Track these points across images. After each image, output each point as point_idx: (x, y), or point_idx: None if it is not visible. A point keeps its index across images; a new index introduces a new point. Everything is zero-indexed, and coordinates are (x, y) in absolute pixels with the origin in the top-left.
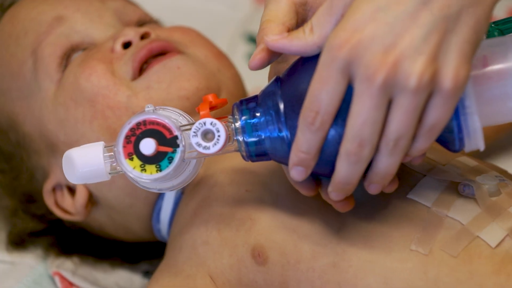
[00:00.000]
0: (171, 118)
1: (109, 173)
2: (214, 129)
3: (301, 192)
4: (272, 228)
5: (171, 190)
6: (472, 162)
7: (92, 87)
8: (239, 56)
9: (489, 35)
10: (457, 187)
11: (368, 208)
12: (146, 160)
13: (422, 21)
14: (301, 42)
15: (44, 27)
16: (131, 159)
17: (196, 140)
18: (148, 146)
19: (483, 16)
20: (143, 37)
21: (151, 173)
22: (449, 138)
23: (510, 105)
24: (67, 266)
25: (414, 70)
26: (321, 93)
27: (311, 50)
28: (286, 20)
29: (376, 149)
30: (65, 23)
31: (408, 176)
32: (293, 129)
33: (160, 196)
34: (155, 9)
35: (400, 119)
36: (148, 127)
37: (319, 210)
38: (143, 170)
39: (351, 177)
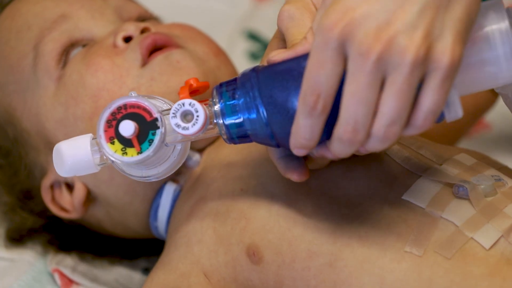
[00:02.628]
0: (154, 104)
1: (98, 165)
2: (193, 109)
3: (292, 179)
4: (267, 227)
5: (158, 178)
6: (470, 160)
7: (98, 83)
8: (239, 53)
9: None
10: (452, 188)
11: (363, 209)
12: (127, 143)
13: None
14: (305, 47)
15: (48, 24)
16: (113, 143)
17: (175, 121)
18: (127, 127)
19: None
20: (143, 32)
21: (132, 155)
22: None
23: (487, 71)
24: (67, 263)
25: (410, 45)
26: (320, 75)
27: None
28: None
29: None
30: (69, 20)
31: (403, 177)
32: (268, 105)
33: (158, 194)
34: (155, 7)
35: (393, 100)
36: (129, 110)
37: (314, 210)
38: (124, 153)
39: (343, 155)
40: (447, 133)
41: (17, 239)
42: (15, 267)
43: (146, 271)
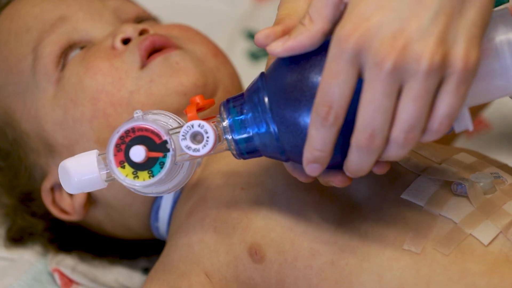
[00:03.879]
0: (160, 122)
1: (105, 181)
2: (202, 130)
3: (300, 179)
4: (269, 226)
5: (169, 193)
6: (469, 159)
7: (97, 85)
8: (239, 53)
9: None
10: (451, 186)
11: (363, 207)
12: (137, 167)
13: (428, 4)
14: (305, 35)
15: (47, 26)
16: (123, 167)
17: (185, 143)
18: (138, 153)
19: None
20: (141, 33)
21: (143, 180)
22: None
23: (496, 83)
24: (67, 263)
25: (425, 51)
26: (333, 86)
27: (317, 39)
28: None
29: (386, 140)
30: (68, 22)
31: (402, 176)
32: (280, 124)
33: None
34: (154, 7)
35: (411, 106)
36: (137, 133)
37: (315, 208)
38: (136, 177)
39: (363, 168)
40: None
41: (17, 239)
42: (15, 266)
43: (146, 271)
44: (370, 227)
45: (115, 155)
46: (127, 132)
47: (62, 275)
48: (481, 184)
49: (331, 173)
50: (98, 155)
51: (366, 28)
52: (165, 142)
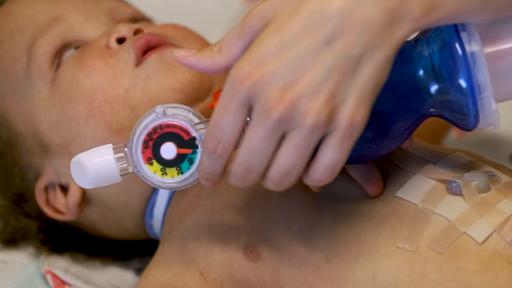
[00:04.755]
0: (182, 116)
1: (120, 175)
2: None
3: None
4: (265, 225)
5: (191, 185)
6: (465, 158)
7: (92, 84)
8: None
9: None
10: (445, 184)
11: (358, 205)
12: (166, 163)
13: (323, 60)
14: (207, 61)
15: (41, 26)
16: (151, 163)
17: None
18: (169, 150)
19: (386, 58)
20: (136, 33)
21: (172, 177)
22: (463, 121)
23: None
24: (59, 265)
25: (312, 109)
26: (223, 122)
27: (217, 70)
28: None
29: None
30: (62, 23)
31: (397, 175)
32: None
33: (154, 192)
34: (148, 7)
35: (290, 154)
36: (165, 130)
37: (311, 206)
38: (164, 174)
39: (240, 186)
40: (434, 128)
41: (10, 241)
42: (8, 268)
43: (139, 271)
44: (364, 224)
45: (142, 152)
46: (155, 129)
47: (54, 276)
48: (476, 182)
49: None
50: (113, 149)
51: (260, 75)
52: (194, 138)
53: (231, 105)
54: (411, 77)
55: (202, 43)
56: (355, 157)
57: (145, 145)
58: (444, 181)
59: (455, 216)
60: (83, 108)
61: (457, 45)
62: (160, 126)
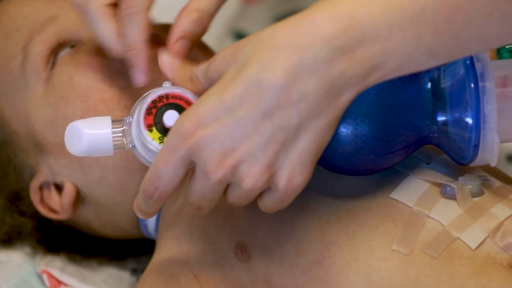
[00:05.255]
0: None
1: (114, 149)
2: None
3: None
4: (255, 226)
5: None
6: None
7: (87, 82)
8: None
9: (500, 56)
10: (440, 188)
11: (351, 207)
12: (165, 132)
13: (261, 131)
14: (182, 83)
15: (37, 26)
16: (151, 130)
17: None
18: (172, 118)
19: (326, 126)
20: None
21: None
22: (461, 151)
23: None
24: (56, 264)
25: (249, 175)
26: (162, 172)
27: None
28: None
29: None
30: (58, 22)
31: (391, 176)
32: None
33: None
34: None
35: (235, 200)
36: (171, 100)
37: (302, 208)
38: (162, 142)
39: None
40: None
41: (6, 240)
42: (4, 268)
43: (135, 271)
44: (358, 227)
45: (145, 118)
46: (160, 97)
47: (51, 276)
48: (469, 187)
49: None
50: (112, 121)
51: (200, 137)
52: None
53: (172, 159)
54: (418, 97)
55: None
56: (346, 168)
57: (148, 111)
58: (438, 184)
59: (449, 221)
60: (78, 107)
61: (468, 73)
62: (167, 96)
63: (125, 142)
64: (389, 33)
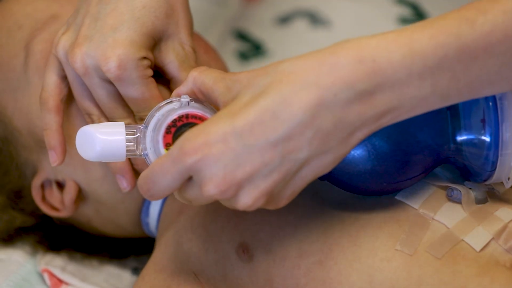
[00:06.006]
0: (211, 110)
1: (127, 155)
2: None
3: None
4: (258, 226)
5: None
6: None
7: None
8: (229, 53)
9: None
10: (446, 191)
11: (355, 208)
12: None
13: (268, 160)
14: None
15: (39, 24)
16: (168, 149)
17: None
18: None
19: (332, 161)
20: None
21: None
22: (476, 173)
23: None
24: (56, 263)
25: (245, 200)
26: (158, 177)
27: None
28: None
29: None
30: (60, 21)
31: None
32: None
33: None
34: None
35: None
36: (190, 120)
37: (305, 209)
38: None
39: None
40: None
41: (6, 239)
42: (4, 267)
43: (136, 270)
44: (361, 228)
45: (164, 136)
46: (180, 117)
47: (51, 275)
48: (475, 193)
49: None
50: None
51: (204, 156)
52: None
53: (171, 169)
54: (435, 116)
55: (199, 40)
56: (363, 189)
57: (167, 130)
58: (444, 188)
59: (453, 224)
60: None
61: (489, 101)
62: (187, 115)
63: (137, 149)
64: (409, 79)
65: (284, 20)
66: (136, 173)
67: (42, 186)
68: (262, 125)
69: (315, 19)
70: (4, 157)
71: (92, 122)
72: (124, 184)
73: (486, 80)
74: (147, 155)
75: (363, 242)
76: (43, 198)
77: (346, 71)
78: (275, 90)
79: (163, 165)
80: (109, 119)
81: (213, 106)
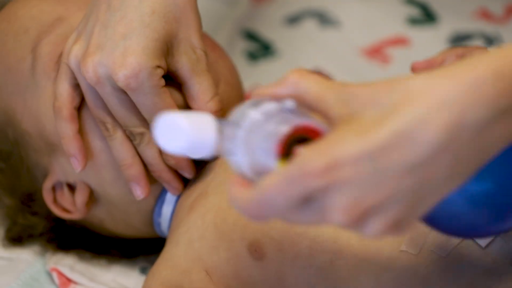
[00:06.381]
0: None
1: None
2: None
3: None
4: (270, 224)
5: None
6: None
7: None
8: (237, 53)
9: None
10: None
11: None
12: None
13: (402, 186)
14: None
15: (45, 27)
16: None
17: None
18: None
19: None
20: None
21: None
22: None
23: None
24: (65, 262)
25: (375, 227)
26: (273, 200)
27: None
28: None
29: None
30: (66, 23)
31: None
32: None
33: (164, 189)
34: None
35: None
36: (303, 132)
37: None
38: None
39: None
40: None
41: (16, 239)
42: (13, 266)
43: (145, 270)
44: None
45: (278, 146)
46: (297, 128)
47: (60, 274)
48: None
49: None
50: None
51: (332, 180)
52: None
53: (291, 193)
54: None
55: (206, 38)
56: (463, 232)
57: (282, 141)
58: None
59: None
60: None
61: None
62: (299, 128)
63: (223, 147)
64: None
65: (293, 20)
66: (150, 177)
67: (53, 189)
68: (396, 148)
69: (324, 19)
70: (15, 160)
71: (107, 130)
72: (138, 192)
73: None
74: (235, 159)
75: (371, 242)
76: (55, 201)
77: (488, 87)
78: (409, 110)
79: (279, 186)
80: (123, 127)
81: (318, 117)
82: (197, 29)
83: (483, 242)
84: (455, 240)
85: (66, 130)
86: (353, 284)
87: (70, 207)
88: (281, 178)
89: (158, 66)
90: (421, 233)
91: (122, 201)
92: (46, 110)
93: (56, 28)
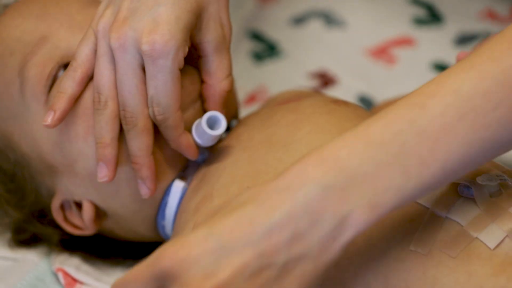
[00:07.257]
0: None
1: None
2: None
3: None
4: None
5: None
6: None
7: (86, 102)
8: (243, 53)
9: None
10: (457, 187)
11: None
12: None
13: (249, 263)
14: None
15: (30, 48)
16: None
17: None
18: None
19: (312, 271)
20: None
21: None
22: None
23: None
24: (71, 262)
25: None
26: (130, 284)
27: None
28: None
29: None
30: (49, 41)
31: None
32: None
33: (166, 193)
34: None
35: None
36: None
37: None
38: None
39: None
40: None
41: (23, 241)
42: (19, 266)
43: None
44: (374, 227)
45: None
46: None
47: (66, 274)
48: (488, 186)
49: None
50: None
51: (181, 258)
52: None
53: (144, 273)
54: None
55: None
56: None
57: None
58: (455, 184)
59: (467, 221)
60: (79, 127)
61: None
62: None
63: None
64: (376, 170)
65: (299, 20)
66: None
67: (62, 207)
68: (240, 230)
69: (330, 19)
70: (19, 181)
71: (98, 102)
72: (145, 190)
73: (457, 162)
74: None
75: (378, 242)
76: (65, 219)
77: (312, 171)
78: (250, 200)
79: (138, 270)
80: (120, 107)
81: None
82: (226, 5)
83: (491, 243)
84: (464, 241)
85: (68, 88)
86: (360, 284)
87: (80, 224)
88: (142, 264)
89: (186, 41)
90: (430, 233)
91: (127, 211)
92: (41, 134)
93: (41, 48)
